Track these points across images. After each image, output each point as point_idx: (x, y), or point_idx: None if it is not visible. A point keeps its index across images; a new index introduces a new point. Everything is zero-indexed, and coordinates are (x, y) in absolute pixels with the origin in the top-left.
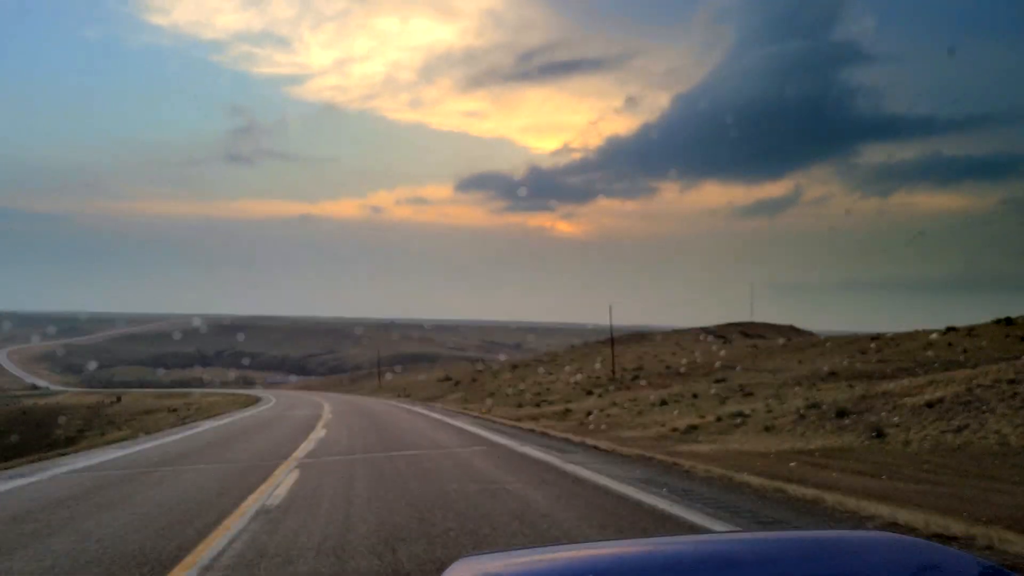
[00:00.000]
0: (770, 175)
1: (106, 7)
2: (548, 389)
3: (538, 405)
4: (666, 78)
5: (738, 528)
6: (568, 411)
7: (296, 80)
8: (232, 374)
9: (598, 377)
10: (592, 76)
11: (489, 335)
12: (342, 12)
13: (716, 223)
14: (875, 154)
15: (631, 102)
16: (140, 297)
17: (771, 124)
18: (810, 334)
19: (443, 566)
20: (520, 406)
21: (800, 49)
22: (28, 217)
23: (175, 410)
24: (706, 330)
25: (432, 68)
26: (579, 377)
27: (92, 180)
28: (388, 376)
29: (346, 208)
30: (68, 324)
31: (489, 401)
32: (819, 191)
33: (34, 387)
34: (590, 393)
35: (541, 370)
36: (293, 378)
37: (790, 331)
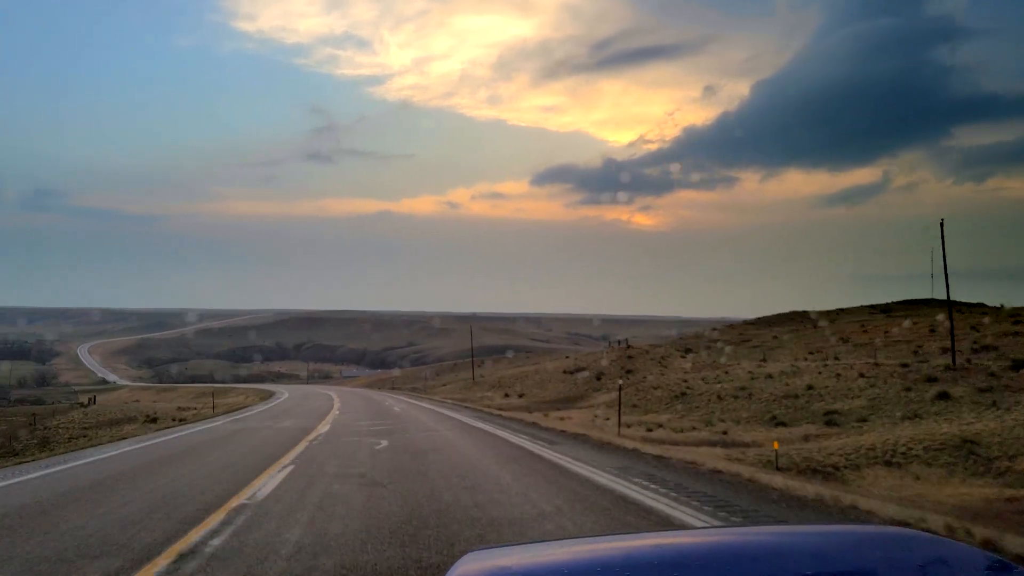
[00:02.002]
0: (856, 161)
1: (198, 16)
2: (811, 387)
3: (831, 423)
4: (746, 65)
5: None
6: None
7: (377, 81)
8: (308, 367)
9: (909, 364)
10: (669, 65)
11: (572, 327)
12: (421, 12)
13: (799, 212)
14: (970, 136)
15: (709, 91)
16: (226, 293)
17: (858, 108)
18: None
19: None
20: (774, 420)
21: (890, 26)
22: (122, 217)
23: (155, 420)
24: (878, 308)
25: (509, 64)
26: (838, 363)
27: (181, 182)
28: (485, 368)
29: (425, 205)
30: (155, 319)
31: (660, 409)
32: (909, 177)
33: (104, 381)
34: (943, 396)
35: (744, 357)
36: (367, 371)
37: (982, 309)
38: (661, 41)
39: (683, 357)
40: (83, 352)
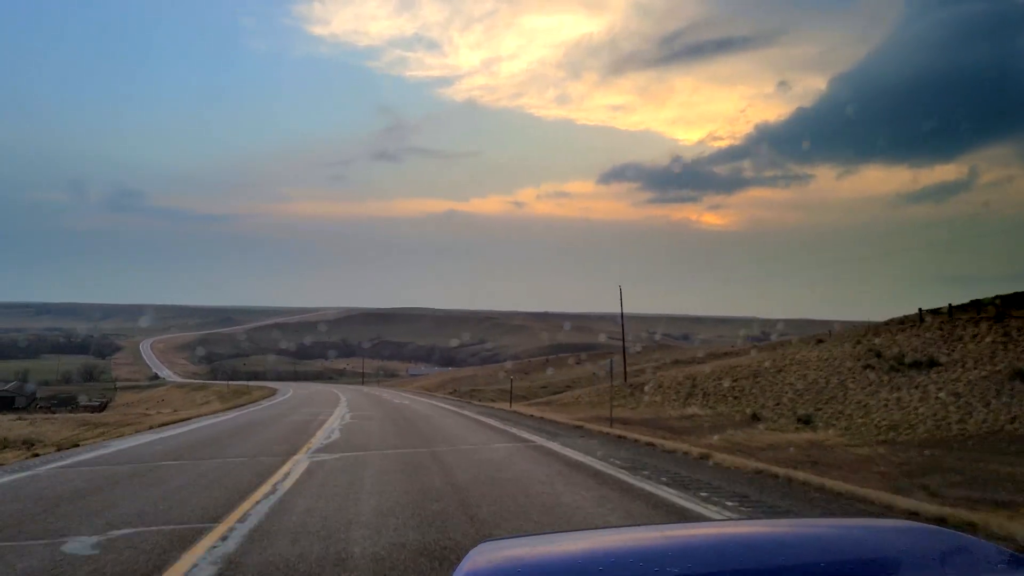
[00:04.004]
0: (940, 157)
1: (273, 21)
2: None
3: None
4: (823, 58)
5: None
6: None
7: (446, 82)
8: (364, 364)
9: None
10: (741, 60)
11: (647, 325)
12: (490, 12)
13: (878, 210)
14: None
15: (783, 86)
16: (295, 291)
17: (942, 101)
18: None
19: None
20: None
21: (978, 13)
22: (196, 218)
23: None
24: None
25: (578, 63)
26: None
27: (252, 183)
28: (586, 367)
29: (493, 204)
30: (223, 315)
31: None
32: (997, 173)
33: (156, 376)
34: None
35: None
36: (436, 369)
37: None
38: (732, 33)
39: None
40: (145, 347)
